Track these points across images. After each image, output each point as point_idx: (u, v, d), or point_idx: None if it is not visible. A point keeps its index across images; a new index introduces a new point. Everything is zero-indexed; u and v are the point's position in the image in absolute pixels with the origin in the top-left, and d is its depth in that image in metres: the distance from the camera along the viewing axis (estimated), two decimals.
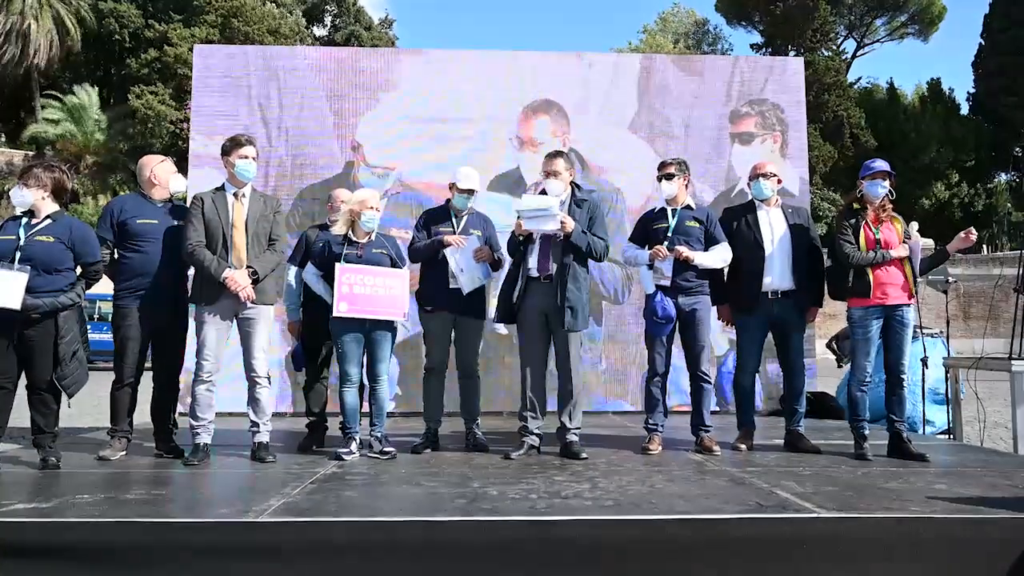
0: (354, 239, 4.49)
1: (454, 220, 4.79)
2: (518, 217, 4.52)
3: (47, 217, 4.14)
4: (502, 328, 5.75)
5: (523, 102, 7.12)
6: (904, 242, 4.53)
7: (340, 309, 4.34)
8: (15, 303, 3.89)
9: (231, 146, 4.43)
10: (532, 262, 4.55)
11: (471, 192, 4.78)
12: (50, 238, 4.08)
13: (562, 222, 4.41)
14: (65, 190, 4.27)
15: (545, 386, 4.65)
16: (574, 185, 4.70)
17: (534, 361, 4.59)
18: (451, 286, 4.65)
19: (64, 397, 4.14)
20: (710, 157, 7.17)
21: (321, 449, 4.74)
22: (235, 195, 4.42)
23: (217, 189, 4.48)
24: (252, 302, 4.31)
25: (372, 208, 4.47)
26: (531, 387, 4.57)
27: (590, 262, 4.69)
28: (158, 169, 4.55)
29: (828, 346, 10.01)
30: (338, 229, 4.54)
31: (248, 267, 4.31)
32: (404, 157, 6.95)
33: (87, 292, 4.28)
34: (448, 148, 6.82)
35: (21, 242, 4.01)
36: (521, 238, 4.53)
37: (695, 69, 7.46)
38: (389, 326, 4.49)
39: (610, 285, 6.94)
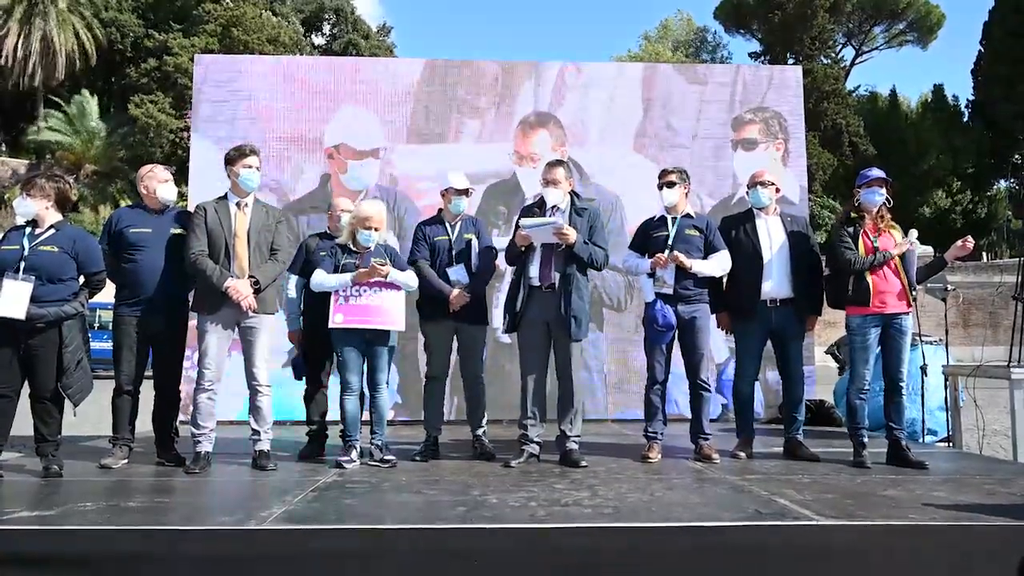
0: (354, 249, 4.51)
1: (448, 228, 4.80)
2: (519, 228, 4.54)
3: (51, 227, 4.17)
4: (504, 337, 5.77)
5: (520, 113, 7.13)
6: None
7: (335, 321, 4.36)
8: (20, 313, 3.93)
9: (236, 156, 4.44)
10: (533, 271, 4.56)
11: (467, 192, 4.81)
12: (54, 248, 4.11)
13: (564, 233, 4.43)
14: (68, 200, 4.31)
15: (545, 394, 4.66)
16: (573, 194, 4.72)
17: (535, 369, 4.60)
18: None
19: (69, 406, 4.17)
20: (711, 165, 7.19)
21: (321, 457, 4.75)
22: (238, 204, 4.44)
23: (220, 198, 4.49)
24: (253, 311, 4.33)
25: (371, 228, 4.43)
26: (532, 395, 4.59)
27: (590, 270, 4.71)
28: (147, 178, 4.57)
29: (829, 352, 10.00)
30: (342, 239, 4.57)
31: (250, 276, 4.33)
32: (396, 164, 6.97)
33: (89, 301, 4.31)
34: (445, 158, 6.80)
35: (26, 252, 4.04)
36: (522, 248, 4.56)
37: (696, 77, 7.49)
38: (387, 336, 4.50)
39: (612, 293, 6.95)
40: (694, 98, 7.31)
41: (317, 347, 4.81)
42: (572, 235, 4.45)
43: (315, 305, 4.69)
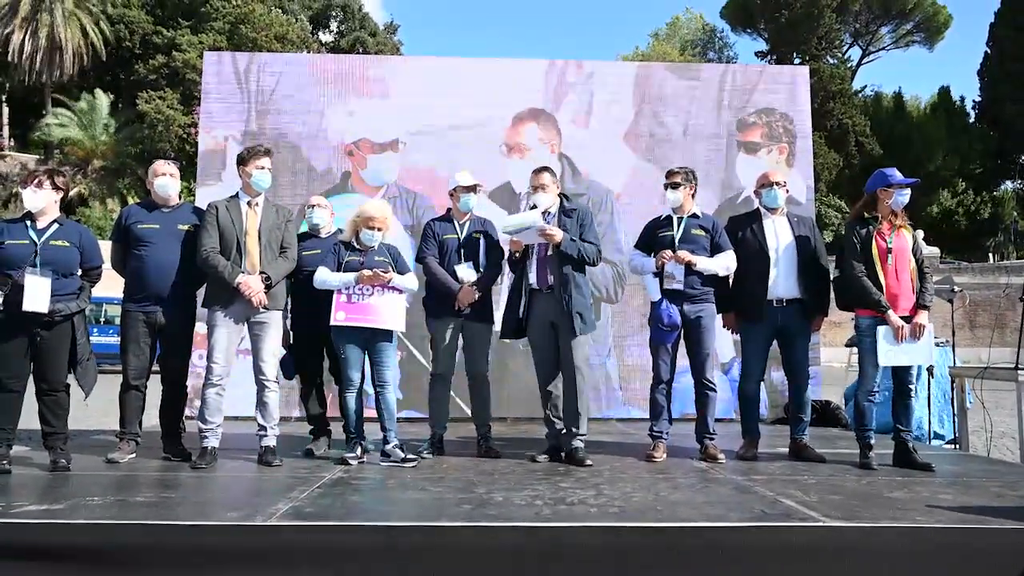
0: (357, 246, 4.52)
1: (457, 226, 4.83)
2: (506, 233, 4.58)
3: (53, 221, 4.18)
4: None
5: (516, 110, 7.14)
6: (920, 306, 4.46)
7: (337, 318, 4.36)
8: (44, 307, 3.97)
9: (249, 156, 4.47)
10: (532, 276, 4.60)
11: (474, 189, 4.83)
12: (65, 243, 4.15)
13: (550, 234, 4.45)
14: (66, 197, 4.36)
15: (559, 393, 4.67)
16: (562, 196, 4.74)
17: (547, 369, 4.64)
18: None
19: (79, 396, 4.22)
20: (711, 164, 7.16)
21: (326, 454, 4.76)
22: (249, 203, 4.47)
23: (231, 197, 4.53)
24: (264, 307, 4.35)
25: (374, 228, 4.46)
26: (548, 394, 4.65)
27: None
28: (150, 173, 4.60)
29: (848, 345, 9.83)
30: (344, 236, 4.59)
31: (261, 272, 4.35)
32: (401, 163, 7.00)
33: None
34: (445, 155, 6.79)
35: (38, 246, 4.06)
36: (517, 255, 4.59)
37: (692, 75, 7.49)
38: (389, 334, 4.50)
39: (601, 283, 6.92)
40: (687, 96, 7.27)
41: (307, 345, 4.81)
42: (557, 235, 4.46)
43: (304, 303, 4.70)
